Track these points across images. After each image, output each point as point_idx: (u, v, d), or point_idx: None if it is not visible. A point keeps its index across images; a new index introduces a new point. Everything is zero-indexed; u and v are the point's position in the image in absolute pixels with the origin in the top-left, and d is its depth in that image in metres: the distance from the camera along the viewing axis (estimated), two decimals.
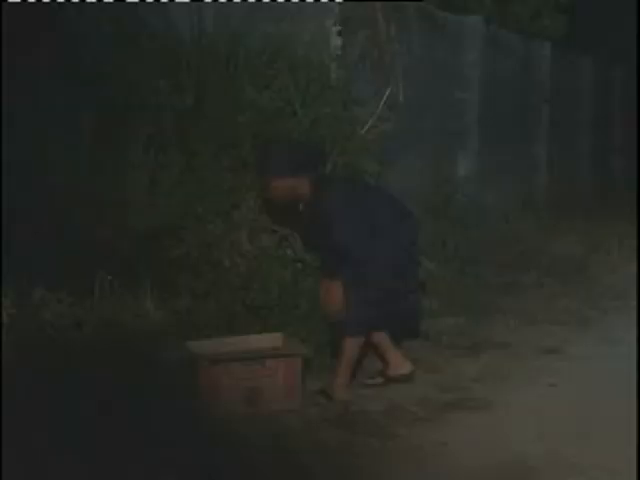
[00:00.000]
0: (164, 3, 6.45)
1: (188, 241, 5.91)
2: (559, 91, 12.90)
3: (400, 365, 5.72)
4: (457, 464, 4.45)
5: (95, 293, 5.42)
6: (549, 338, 6.70)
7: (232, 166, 6.22)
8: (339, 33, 7.44)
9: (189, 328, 5.45)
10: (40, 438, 4.12)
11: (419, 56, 8.67)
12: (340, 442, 4.66)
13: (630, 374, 5.77)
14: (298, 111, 6.49)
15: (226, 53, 6.50)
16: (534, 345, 6.52)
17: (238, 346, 5.25)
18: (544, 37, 12.60)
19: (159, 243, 5.79)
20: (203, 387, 4.93)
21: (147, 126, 6.00)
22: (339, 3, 7.40)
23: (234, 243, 6.08)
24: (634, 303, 7.97)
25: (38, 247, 5.41)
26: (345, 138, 6.77)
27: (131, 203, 5.82)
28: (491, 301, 7.41)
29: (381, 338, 5.70)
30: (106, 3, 6.09)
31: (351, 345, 5.40)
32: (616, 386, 5.59)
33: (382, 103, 7.35)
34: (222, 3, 6.72)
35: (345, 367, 5.41)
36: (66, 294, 5.31)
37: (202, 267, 5.92)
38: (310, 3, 7.23)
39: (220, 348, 5.15)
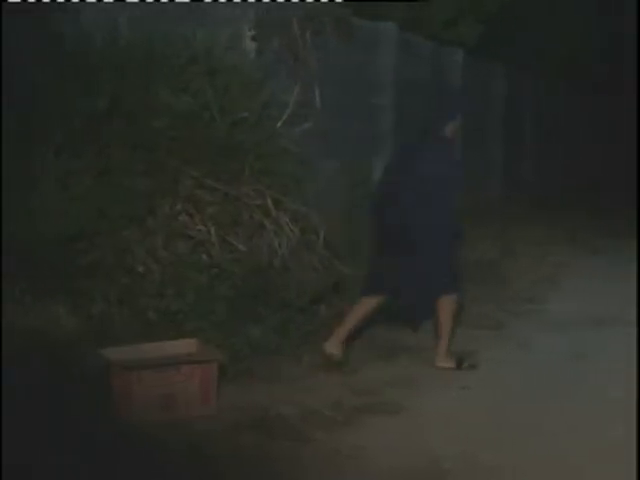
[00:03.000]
0: (75, 5, 6.37)
1: (102, 247, 5.83)
2: (470, 97, 13.04)
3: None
4: (375, 467, 4.47)
5: (5, 300, 5.32)
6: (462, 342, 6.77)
7: (147, 171, 6.16)
8: (253, 38, 7.43)
9: (103, 335, 5.39)
10: None
11: (334, 61, 8.69)
12: (257, 447, 4.65)
13: (541, 376, 5.93)
14: (216, 116, 6.47)
15: (141, 56, 6.44)
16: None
17: (153, 352, 5.20)
18: (457, 44, 12.74)
19: (72, 249, 5.71)
20: (116, 394, 4.89)
21: (58, 130, 5.91)
22: (254, 8, 7.40)
23: (149, 249, 6.02)
24: (545, 307, 8.13)
25: None
26: (262, 142, 6.77)
27: (42, 208, 5.72)
28: None
29: None
30: (10, 3, 5.98)
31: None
32: (527, 389, 5.71)
33: (291, 103, 7.39)
34: (137, 6, 6.66)
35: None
36: None
37: (116, 273, 5.85)
38: (226, 7, 7.21)
39: (135, 354, 5.10)
